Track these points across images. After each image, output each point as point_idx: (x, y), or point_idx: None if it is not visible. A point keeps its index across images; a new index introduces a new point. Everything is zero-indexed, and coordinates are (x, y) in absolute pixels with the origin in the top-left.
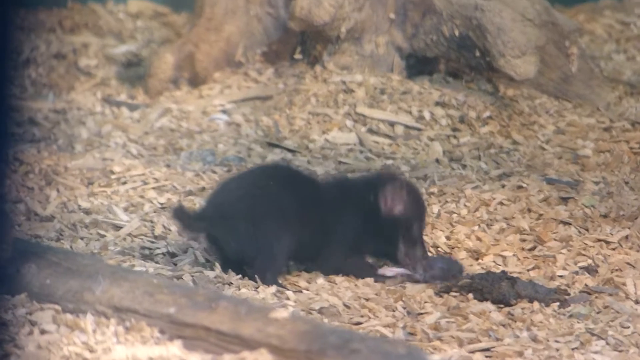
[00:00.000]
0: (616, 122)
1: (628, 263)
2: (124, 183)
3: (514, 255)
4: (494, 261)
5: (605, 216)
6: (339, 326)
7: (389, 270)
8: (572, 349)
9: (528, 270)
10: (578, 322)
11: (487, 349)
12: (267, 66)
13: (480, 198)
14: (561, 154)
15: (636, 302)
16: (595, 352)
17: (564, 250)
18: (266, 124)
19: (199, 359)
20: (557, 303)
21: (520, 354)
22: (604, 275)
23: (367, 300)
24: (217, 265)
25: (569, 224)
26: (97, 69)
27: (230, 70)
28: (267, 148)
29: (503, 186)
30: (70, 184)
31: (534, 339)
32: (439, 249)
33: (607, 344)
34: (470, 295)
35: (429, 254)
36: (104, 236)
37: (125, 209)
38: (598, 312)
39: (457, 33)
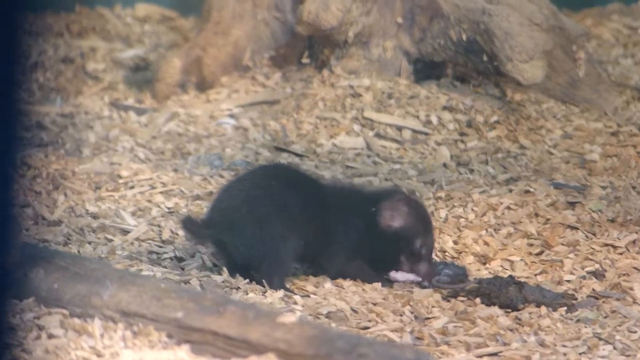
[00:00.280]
0: (623, 127)
1: (635, 268)
2: (132, 187)
3: (521, 259)
4: (501, 266)
5: (612, 221)
6: (347, 331)
7: (401, 275)
8: (580, 354)
9: (535, 274)
10: (585, 327)
11: (495, 354)
12: (274, 70)
13: (488, 202)
14: (568, 159)
15: None
16: (603, 357)
17: (571, 255)
18: (274, 128)
19: None
20: (565, 308)
21: (528, 358)
22: (611, 279)
23: (374, 304)
24: (225, 269)
25: (577, 228)
26: (104, 73)
27: (238, 75)
28: (274, 152)
29: (510, 191)
30: (78, 188)
31: (542, 344)
32: (447, 253)
33: (615, 348)
34: (478, 300)
35: (436, 258)
36: (111, 240)
37: (133, 214)
38: (605, 317)
39: (464, 37)
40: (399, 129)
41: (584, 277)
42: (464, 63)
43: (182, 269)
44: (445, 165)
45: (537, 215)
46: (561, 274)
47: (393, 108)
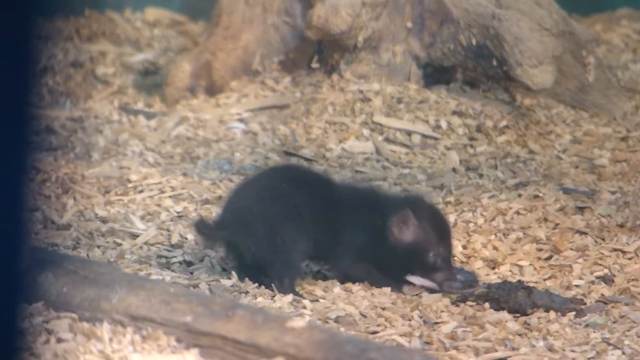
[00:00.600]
0: (633, 132)
1: None
2: (141, 191)
3: (530, 264)
4: (510, 270)
5: (621, 226)
6: (356, 335)
7: (416, 279)
8: (588, 359)
9: (544, 279)
10: (594, 332)
11: (504, 359)
12: (284, 75)
13: (497, 207)
14: (578, 164)
15: None
16: None
17: (580, 260)
18: (283, 133)
19: None
20: (574, 312)
21: None
22: (620, 284)
23: (383, 309)
24: (234, 273)
25: (586, 233)
26: (114, 77)
27: (247, 79)
28: (284, 157)
29: (519, 195)
30: (87, 192)
31: (550, 349)
32: (456, 258)
33: (623, 353)
34: (487, 305)
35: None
36: (120, 245)
37: (142, 218)
38: (614, 322)
39: (474, 42)
40: (409, 133)
41: (592, 282)
42: (473, 68)
43: (191, 273)
44: (454, 169)
45: (546, 220)
46: (570, 278)
47: (402, 113)
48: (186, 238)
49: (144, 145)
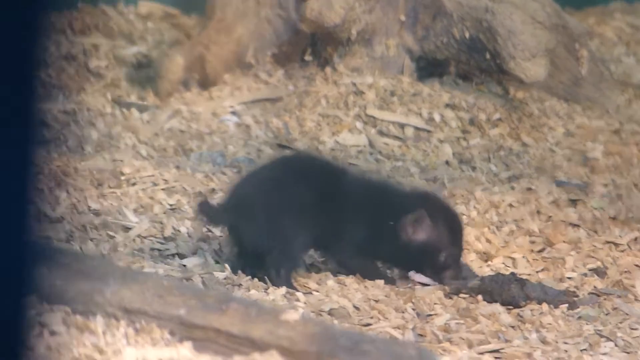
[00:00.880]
0: (626, 125)
1: (637, 265)
2: (134, 184)
3: (523, 257)
4: (503, 263)
5: (614, 218)
6: (349, 328)
7: (419, 277)
8: (581, 351)
9: (537, 272)
10: (587, 324)
11: (497, 351)
12: (277, 68)
13: (490, 200)
14: (570, 157)
15: None
16: (604, 354)
17: (573, 253)
18: (276, 126)
19: None
20: (566, 305)
21: (529, 355)
22: (613, 277)
23: (376, 301)
24: (227, 266)
25: (578, 226)
26: (107, 70)
27: (241, 72)
28: (277, 149)
29: (512, 188)
30: (80, 185)
31: (543, 341)
32: None
33: (616, 345)
34: (480, 297)
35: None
36: (113, 237)
37: (135, 210)
38: (607, 314)
39: (467, 35)
40: (402, 126)
41: (585, 275)
42: (466, 61)
43: (184, 265)
44: (447, 162)
45: (539, 212)
46: (563, 271)
47: (396, 106)
48: (179, 231)
49: (137, 138)
